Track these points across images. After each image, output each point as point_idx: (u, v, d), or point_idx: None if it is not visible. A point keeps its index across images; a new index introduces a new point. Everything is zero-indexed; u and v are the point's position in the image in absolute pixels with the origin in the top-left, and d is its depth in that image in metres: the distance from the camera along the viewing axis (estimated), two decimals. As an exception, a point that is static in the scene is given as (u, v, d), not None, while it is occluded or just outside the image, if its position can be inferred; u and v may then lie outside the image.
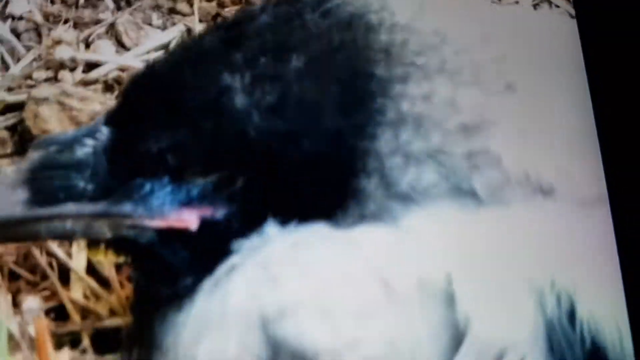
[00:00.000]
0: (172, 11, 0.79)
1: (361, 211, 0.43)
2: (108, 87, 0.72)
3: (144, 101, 0.46)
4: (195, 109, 0.44)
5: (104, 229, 0.46)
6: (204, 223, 0.45)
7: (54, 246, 0.61)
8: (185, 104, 0.45)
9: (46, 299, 0.60)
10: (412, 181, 0.43)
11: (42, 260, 0.61)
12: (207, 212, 0.45)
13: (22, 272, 0.60)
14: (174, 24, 0.79)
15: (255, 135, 0.43)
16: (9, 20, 0.75)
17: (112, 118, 0.47)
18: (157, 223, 0.46)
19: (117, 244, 0.48)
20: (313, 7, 0.46)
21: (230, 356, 0.43)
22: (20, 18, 0.76)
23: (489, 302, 0.40)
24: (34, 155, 0.46)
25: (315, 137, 0.43)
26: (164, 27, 0.78)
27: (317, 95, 0.44)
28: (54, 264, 0.61)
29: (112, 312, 0.59)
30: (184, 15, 0.80)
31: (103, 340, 0.59)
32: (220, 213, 0.45)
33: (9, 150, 0.67)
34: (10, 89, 0.70)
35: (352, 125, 0.43)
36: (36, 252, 0.61)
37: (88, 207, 0.46)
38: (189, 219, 0.45)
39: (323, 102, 0.43)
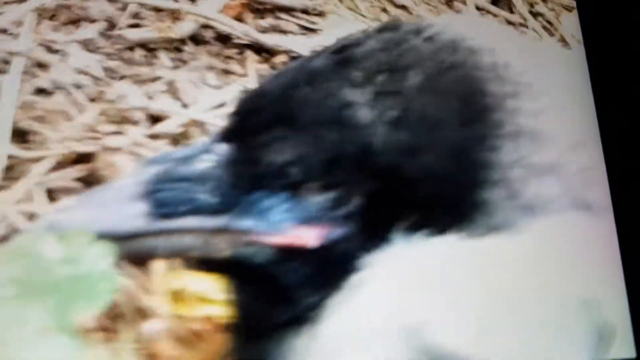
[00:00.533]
0: (226, 72, 0.80)
1: (488, 222, 0.44)
2: (174, 141, 0.71)
3: (260, 116, 0.46)
4: (318, 122, 0.45)
5: (222, 246, 0.46)
6: (323, 241, 0.45)
7: (140, 295, 0.59)
8: (306, 118, 0.45)
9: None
10: (536, 193, 0.45)
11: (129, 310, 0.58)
12: (325, 230, 0.45)
13: (106, 324, 0.58)
14: (228, 84, 0.79)
15: (380, 147, 0.44)
16: (71, 73, 0.74)
17: (227, 135, 0.47)
18: (277, 240, 0.45)
19: (229, 267, 0.47)
20: (414, 34, 0.48)
21: None
22: (81, 72, 0.75)
23: (618, 309, 0.44)
24: (150, 170, 0.46)
25: (439, 150, 0.44)
26: (219, 87, 0.78)
27: (438, 109, 0.45)
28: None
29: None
30: (238, 75, 0.80)
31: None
32: (338, 232, 0.45)
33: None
34: (77, 140, 0.68)
35: (474, 137, 0.45)
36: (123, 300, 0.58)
37: (209, 221, 0.45)
38: (308, 237, 0.45)
39: (444, 115, 0.45)
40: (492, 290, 0.43)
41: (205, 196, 0.45)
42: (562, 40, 0.78)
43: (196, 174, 0.45)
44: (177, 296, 0.60)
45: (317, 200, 0.45)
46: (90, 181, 0.67)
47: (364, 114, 0.44)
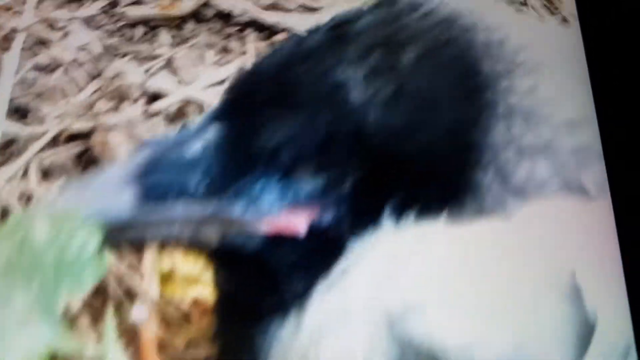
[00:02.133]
0: (225, 50, 0.77)
1: (478, 205, 0.42)
2: (171, 119, 0.68)
3: (254, 96, 0.44)
4: (310, 103, 0.42)
5: (212, 235, 0.43)
6: (313, 227, 0.43)
7: (130, 276, 0.56)
8: (300, 99, 0.42)
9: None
10: (527, 175, 0.42)
11: (117, 291, 0.55)
12: (315, 214, 0.43)
13: (93, 302, 0.55)
14: (228, 62, 0.76)
15: (372, 129, 0.41)
16: (71, 50, 0.71)
17: (220, 114, 0.44)
18: (267, 227, 0.43)
19: (218, 255, 0.45)
20: (410, 10, 0.45)
21: (357, 355, 0.40)
22: (81, 49, 0.72)
23: (613, 296, 0.40)
24: (144, 153, 0.43)
25: (431, 131, 0.42)
26: (218, 65, 0.75)
27: (431, 88, 0.42)
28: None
29: (190, 344, 0.55)
30: (237, 53, 0.77)
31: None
32: (328, 215, 0.43)
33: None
34: (74, 117, 0.65)
35: (466, 118, 0.42)
36: (111, 282, 0.56)
37: (198, 209, 0.42)
38: (298, 224, 0.43)
39: (437, 95, 0.42)
40: (480, 276, 0.40)
41: (195, 181, 0.43)
42: (564, 20, 0.73)
43: (187, 158, 0.43)
44: (166, 277, 0.58)
45: (309, 183, 0.43)
46: (84, 160, 0.64)
47: (358, 94, 0.42)
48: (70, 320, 0.49)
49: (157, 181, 0.42)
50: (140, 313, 0.50)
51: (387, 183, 0.42)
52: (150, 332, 0.50)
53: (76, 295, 0.41)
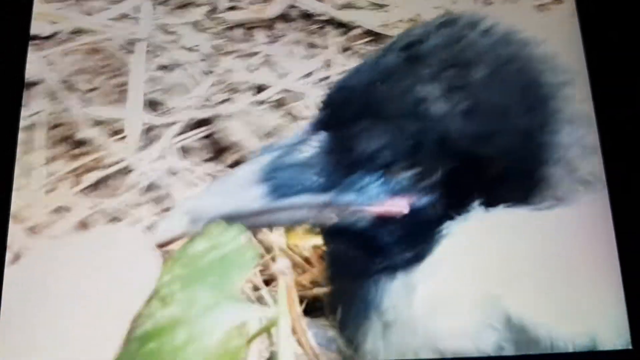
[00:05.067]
0: (311, 45, 0.85)
1: (554, 194, 0.47)
2: (274, 107, 0.77)
3: (347, 110, 0.49)
4: (398, 116, 0.47)
5: (330, 216, 0.50)
6: (412, 208, 0.49)
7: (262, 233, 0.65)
8: (387, 113, 0.47)
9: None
10: (591, 169, 0.48)
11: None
12: (413, 199, 0.49)
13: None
14: (313, 56, 0.84)
15: (454, 136, 0.46)
16: (183, 51, 0.80)
17: (322, 124, 0.50)
18: (375, 209, 0.49)
19: (336, 231, 0.51)
20: (471, 27, 0.49)
21: (470, 330, 0.46)
22: (191, 49, 0.80)
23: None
24: (261, 159, 0.49)
25: (507, 136, 0.46)
26: (307, 58, 0.83)
27: (503, 98, 0.47)
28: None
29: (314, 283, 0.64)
30: (321, 48, 0.85)
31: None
32: (425, 199, 0.49)
33: (206, 157, 0.72)
34: (197, 108, 0.75)
35: (536, 123, 0.47)
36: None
37: (319, 198, 0.49)
38: (400, 205, 0.49)
39: (509, 104, 0.47)
40: (556, 259, 0.46)
41: (313, 178, 0.49)
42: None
43: (303, 161, 0.49)
44: (290, 230, 0.67)
45: (405, 175, 0.48)
46: (211, 141, 0.73)
47: (438, 107, 0.46)
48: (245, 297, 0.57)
49: (281, 180, 0.48)
50: (282, 265, 0.59)
51: (473, 175, 0.47)
52: (288, 275, 0.59)
53: (244, 277, 0.48)
